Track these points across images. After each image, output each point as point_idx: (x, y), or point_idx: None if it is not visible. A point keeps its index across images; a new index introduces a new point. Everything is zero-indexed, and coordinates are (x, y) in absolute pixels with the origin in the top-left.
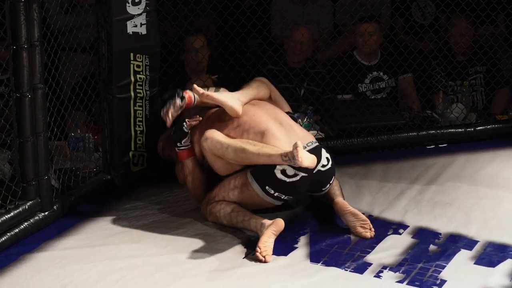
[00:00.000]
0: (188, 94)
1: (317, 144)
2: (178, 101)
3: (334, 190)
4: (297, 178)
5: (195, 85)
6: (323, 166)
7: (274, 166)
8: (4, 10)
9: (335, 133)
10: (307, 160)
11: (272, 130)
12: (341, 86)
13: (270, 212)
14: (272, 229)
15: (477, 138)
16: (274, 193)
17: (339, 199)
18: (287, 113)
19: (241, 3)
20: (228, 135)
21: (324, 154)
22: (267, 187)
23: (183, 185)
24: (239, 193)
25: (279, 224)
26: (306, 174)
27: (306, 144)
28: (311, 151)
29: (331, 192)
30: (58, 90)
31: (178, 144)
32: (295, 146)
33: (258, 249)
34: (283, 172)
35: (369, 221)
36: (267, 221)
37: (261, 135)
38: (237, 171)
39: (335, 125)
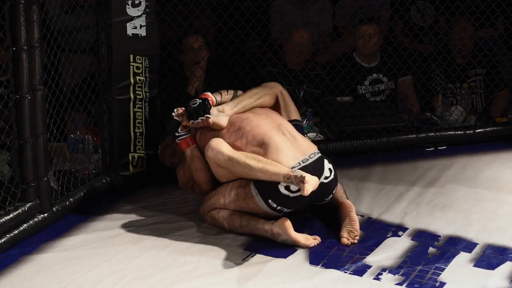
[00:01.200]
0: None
1: (319, 155)
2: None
3: (340, 193)
4: (300, 193)
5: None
6: (326, 178)
7: (278, 182)
8: (3, 11)
9: (334, 135)
10: (311, 188)
11: (275, 142)
12: (340, 88)
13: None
14: (289, 232)
15: (477, 140)
16: (277, 206)
17: (347, 201)
18: (295, 120)
19: (241, 5)
20: (232, 144)
21: (327, 165)
22: (270, 201)
23: (184, 189)
24: (240, 204)
25: (286, 224)
26: None
27: (309, 156)
28: (314, 164)
29: (336, 195)
30: (57, 91)
31: (176, 134)
32: (302, 179)
33: (310, 246)
34: (287, 188)
35: (358, 234)
36: (274, 228)
37: (264, 147)
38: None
39: (335, 127)
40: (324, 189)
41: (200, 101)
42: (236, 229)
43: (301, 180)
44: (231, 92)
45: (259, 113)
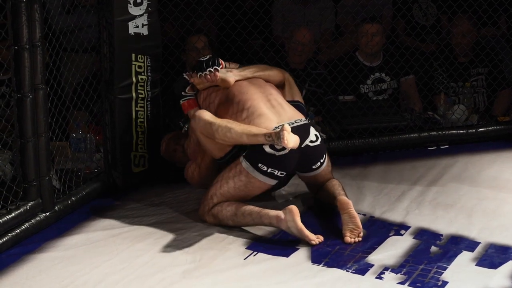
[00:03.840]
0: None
1: (306, 122)
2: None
3: (338, 189)
4: (286, 151)
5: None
6: (311, 141)
7: (262, 144)
8: (5, 11)
9: (336, 134)
10: (291, 141)
11: (260, 108)
12: (342, 87)
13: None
14: (296, 218)
15: (479, 139)
16: (267, 169)
17: (344, 197)
18: (297, 101)
19: (243, 4)
20: (224, 111)
21: (313, 131)
22: (259, 165)
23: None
24: (234, 182)
25: (294, 210)
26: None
27: (295, 121)
28: (299, 128)
29: (334, 191)
30: (59, 90)
31: (182, 93)
32: (283, 128)
33: (312, 242)
34: (272, 146)
35: (361, 230)
36: (280, 214)
37: (249, 113)
38: (230, 153)
39: (337, 126)
40: (311, 152)
41: (211, 56)
42: (241, 220)
43: (281, 135)
44: (235, 64)
45: (254, 83)
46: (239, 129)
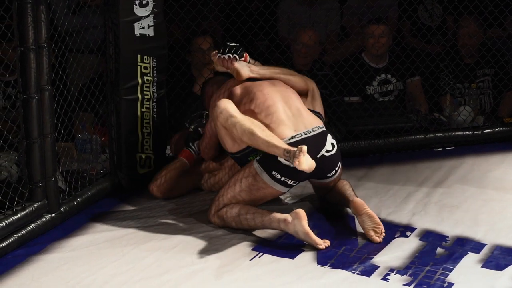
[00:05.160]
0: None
1: (323, 129)
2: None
3: (349, 190)
4: None
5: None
6: (327, 151)
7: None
8: (11, 12)
9: (342, 136)
10: (305, 164)
11: (278, 112)
12: (348, 89)
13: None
14: (303, 222)
15: (485, 141)
16: (281, 177)
17: (357, 199)
18: (317, 112)
19: (248, 5)
20: (242, 109)
21: (330, 139)
22: (273, 172)
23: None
24: (246, 186)
25: (301, 214)
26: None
27: (312, 129)
28: (316, 136)
29: (345, 193)
30: (65, 91)
31: (190, 144)
32: (300, 150)
33: (318, 246)
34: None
35: (382, 226)
36: (288, 217)
37: (267, 116)
38: (243, 151)
39: (342, 128)
40: (326, 162)
41: (239, 45)
42: (247, 222)
43: (296, 155)
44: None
45: (275, 84)
46: (262, 135)
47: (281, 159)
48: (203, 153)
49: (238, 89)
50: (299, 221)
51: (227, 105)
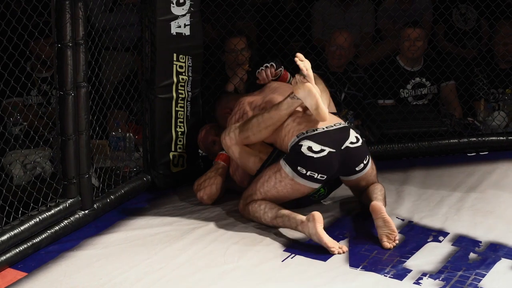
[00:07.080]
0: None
1: (345, 125)
2: (273, 68)
3: (376, 193)
4: (325, 153)
5: (299, 59)
6: (352, 143)
7: (300, 146)
8: (49, 8)
9: (375, 138)
10: (306, 62)
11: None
12: (382, 91)
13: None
14: (317, 225)
15: None
16: (307, 172)
17: (376, 202)
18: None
19: (285, 6)
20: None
21: (353, 133)
22: (299, 168)
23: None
24: (274, 184)
25: (316, 216)
26: (334, 150)
27: (334, 124)
28: (338, 129)
29: (371, 194)
30: (100, 89)
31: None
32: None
33: (331, 249)
34: (309, 148)
35: (396, 233)
36: (304, 219)
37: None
38: (265, 164)
39: (376, 130)
40: (352, 153)
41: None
42: (270, 221)
43: (299, 75)
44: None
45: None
46: (267, 112)
47: (304, 149)
48: (241, 184)
49: (257, 101)
50: (313, 224)
51: (227, 131)
